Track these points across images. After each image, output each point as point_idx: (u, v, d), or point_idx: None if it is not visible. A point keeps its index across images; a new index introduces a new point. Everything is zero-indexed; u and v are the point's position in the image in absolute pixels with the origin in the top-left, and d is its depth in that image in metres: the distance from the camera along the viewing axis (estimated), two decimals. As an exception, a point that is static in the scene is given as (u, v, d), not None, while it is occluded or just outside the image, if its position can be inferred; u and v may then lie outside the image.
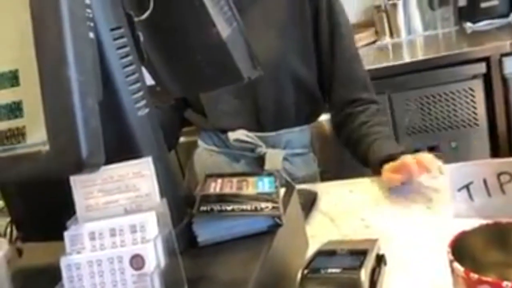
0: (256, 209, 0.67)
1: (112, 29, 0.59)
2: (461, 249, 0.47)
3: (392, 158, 0.97)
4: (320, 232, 0.86)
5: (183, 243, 0.66)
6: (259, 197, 0.70)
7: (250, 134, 1.12)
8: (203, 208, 0.67)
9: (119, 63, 0.59)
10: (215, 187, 0.74)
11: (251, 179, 0.77)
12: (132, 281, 0.52)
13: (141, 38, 0.66)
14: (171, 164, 0.67)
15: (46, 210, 0.65)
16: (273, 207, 0.68)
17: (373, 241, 0.70)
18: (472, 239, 0.48)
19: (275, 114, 1.13)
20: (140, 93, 0.62)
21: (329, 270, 0.61)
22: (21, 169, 0.45)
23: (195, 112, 1.22)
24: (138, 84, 0.62)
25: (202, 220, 0.67)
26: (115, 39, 0.59)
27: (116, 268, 0.52)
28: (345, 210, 0.93)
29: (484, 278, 0.41)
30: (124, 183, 0.56)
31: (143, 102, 0.62)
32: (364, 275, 0.59)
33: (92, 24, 0.51)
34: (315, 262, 0.64)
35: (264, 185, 0.75)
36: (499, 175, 0.46)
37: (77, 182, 0.57)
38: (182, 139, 2.11)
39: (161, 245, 0.53)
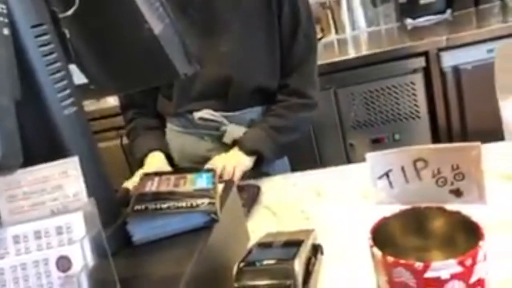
0: (191, 206, 0.67)
1: (34, 26, 0.57)
2: (383, 234, 0.49)
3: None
4: (261, 225, 0.87)
5: (118, 243, 0.65)
6: (195, 194, 0.70)
7: (216, 113, 1.15)
8: (137, 207, 0.67)
9: (42, 61, 0.58)
10: (151, 185, 0.73)
11: (189, 176, 0.77)
12: (59, 284, 0.50)
13: (68, 35, 0.65)
14: (102, 164, 0.65)
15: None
16: (209, 203, 0.68)
17: (309, 232, 0.72)
18: (392, 224, 0.50)
19: (242, 96, 1.15)
20: (67, 92, 0.60)
21: (264, 262, 0.62)
22: None
23: (163, 98, 1.23)
24: (64, 82, 0.60)
25: (136, 219, 0.66)
26: (37, 36, 0.57)
27: (42, 271, 0.51)
28: (287, 203, 0.95)
29: (399, 261, 0.42)
30: (49, 184, 0.55)
31: (69, 101, 0.60)
32: (297, 265, 0.60)
33: (7, 20, 0.50)
34: (252, 255, 0.65)
35: (202, 181, 0.75)
36: (415, 162, 0.48)
37: None
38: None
39: (88, 246, 0.52)
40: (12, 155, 0.44)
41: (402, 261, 0.42)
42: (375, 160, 0.49)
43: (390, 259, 0.43)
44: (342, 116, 1.91)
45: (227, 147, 1.14)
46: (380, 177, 0.50)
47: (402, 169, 0.49)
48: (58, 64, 0.60)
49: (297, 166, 1.24)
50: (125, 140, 2.09)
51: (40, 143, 0.58)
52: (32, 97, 0.57)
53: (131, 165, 2.03)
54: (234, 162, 1.04)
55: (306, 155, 1.91)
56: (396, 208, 0.51)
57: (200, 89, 1.15)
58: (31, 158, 0.54)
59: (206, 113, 1.15)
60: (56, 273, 0.50)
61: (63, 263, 0.50)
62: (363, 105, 1.89)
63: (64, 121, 0.59)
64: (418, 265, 0.41)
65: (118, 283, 0.56)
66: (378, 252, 0.44)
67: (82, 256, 0.51)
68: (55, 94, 0.58)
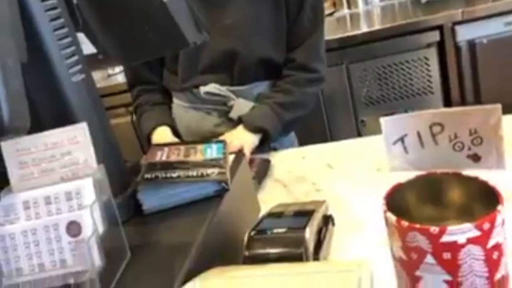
0: (202, 175, 0.67)
1: (40, -10, 0.56)
2: (397, 203, 0.48)
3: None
4: (272, 197, 0.86)
5: (128, 212, 0.65)
6: (205, 163, 0.70)
7: (222, 88, 1.13)
8: (147, 175, 0.66)
9: (49, 26, 0.57)
10: (161, 155, 0.72)
11: (199, 147, 0.76)
12: (69, 249, 0.50)
13: (75, 2, 0.64)
14: (111, 132, 0.65)
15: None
16: (220, 173, 0.68)
17: (321, 202, 0.71)
18: (407, 191, 0.48)
19: (248, 69, 1.13)
20: (74, 58, 0.59)
21: (275, 231, 0.61)
22: None
23: (169, 73, 1.21)
24: (72, 48, 0.59)
25: (146, 188, 0.66)
26: (44, 0, 0.56)
27: (52, 237, 0.51)
28: (298, 175, 0.94)
29: (414, 225, 0.41)
30: (59, 151, 0.54)
31: (77, 68, 0.59)
32: (309, 233, 0.60)
33: (11, -18, 0.48)
34: (262, 224, 0.64)
35: (212, 151, 0.74)
36: (431, 126, 0.46)
37: (9, 151, 0.55)
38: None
39: (98, 212, 0.52)
40: (19, 116, 0.43)
41: (417, 226, 0.41)
42: (390, 125, 0.47)
43: (405, 223, 0.42)
44: (354, 92, 1.88)
45: (234, 123, 1.13)
46: (395, 143, 0.48)
47: (418, 134, 0.47)
48: (65, 30, 0.59)
49: (307, 143, 1.22)
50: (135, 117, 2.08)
51: (48, 110, 0.58)
52: (39, 63, 0.56)
53: (142, 142, 2.03)
54: (241, 141, 1.03)
55: (316, 132, 1.89)
56: (411, 175, 0.50)
57: (206, 63, 1.13)
58: (40, 125, 0.54)
59: (212, 88, 1.13)
60: (66, 238, 0.50)
61: (73, 229, 0.50)
62: (376, 80, 1.86)
63: (72, 88, 0.58)
64: (434, 229, 0.40)
65: (129, 250, 0.56)
66: (392, 217, 0.43)
67: (92, 222, 0.51)
68: (63, 60, 0.58)
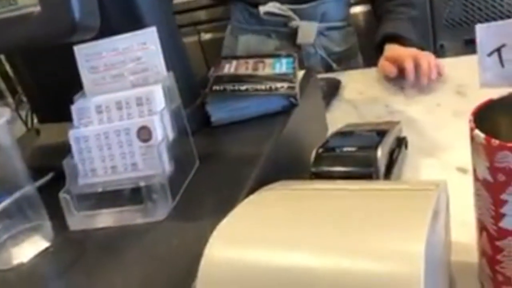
0: (270, 89, 0.65)
1: None
2: (486, 122, 0.43)
3: (397, 40, 0.94)
4: (341, 118, 0.82)
5: (197, 123, 0.64)
6: (274, 77, 0.67)
7: (283, 6, 1.05)
8: (216, 87, 0.65)
9: None
10: (229, 68, 0.70)
11: (268, 60, 0.73)
12: (140, 153, 0.51)
13: None
14: (181, 40, 0.63)
15: (59, 90, 0.64)
16: (289, 87, 0.65)
17: (394, 123, 0.67)
18: (498, 110, 0.44)
19: None
20: (143, -40, 0.57)
21: (345, 149, 0.59)
22: (14, 33, 0.43)
23: None
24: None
25: (215, 99, 0.65)
26: None
27: (124, 141, 0.51)
28: (369, 97, 0.89)
29: (506, 144, 0.37)
30: (129, 56, 0.54)
31: (147, -30, 0.57)
32: (380, 153, 0.57)
33: None
34: (331, 142, 0.62)
35: (281, 66, 0.71)
36: (536, 35, 0.40)
37: (82, 56, 0.55)
38: (208, 36, 2.05)
39: (168, 119, 0.52)
40: (90, 15, 0.43)
41: (509, 144, 0.37)
42: (486, 33, 0.42)
43: (495, 141, 0.38)
44: (435, 13, 1.73)
45: (295, 45, 1.06)
46: (490, 54, 0.43)
47: (519, 45, 0.41)
48: None
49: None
50: (203, 36, 2.07)
51: (117, 15, 0.56)
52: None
53: (208, 62, 2.03)
54: (420, 55, 0.87)
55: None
56: (505, 92, 0.45)
57: None
58: (108, 30, 0.53)
59: (272, 7, 1.05)
60: (137, 143, 0.51)
61: (144, 133, 0.51)
62: (460, 0, 1.69)
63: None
64: (529, 149, 0.36)
65: (198, 158, 0.56)
66: (480, 135, 0.39)
67: (162, 128, 0.51)
68: (132, -39, 0.55)
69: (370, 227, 0.35)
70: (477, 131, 0.40)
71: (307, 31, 1.06)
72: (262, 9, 1.05)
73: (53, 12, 0.42)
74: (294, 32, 1.08)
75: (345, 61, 1.17)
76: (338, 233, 0.36)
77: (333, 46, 1.15)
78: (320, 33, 1.11)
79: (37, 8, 0.42)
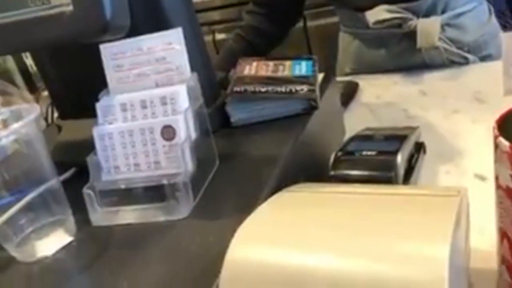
0: (291, 92, 0.65)
1: None
2: (509, 129, 0.43)
3: None
4: (358, 122, 0.83)
5: (217, 123, 0.65)
6: (294, 80, 0.68)
7: (393, 7, 0.88)
8: (236, 88, 0.66)
9: None
10: (250, 69, 0.71)
11: (288, 63, 0.73)
12: (163, 152, 0.52)
13: None
14: (203, 40, 0.64)
15: (82, 87, 0.65)
16: (309, 90, 0.65)
17: (413, 128, 0.67)
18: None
19: None
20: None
21: (364, 153, 0.59)
22: (46, 32, 0.44)
23: None
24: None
25: (235, 100, 0.65)
26: None
27: (148, 139, 0.52)
28: (387, 101, 0.89)
29: (532, 153, 0.37)
30: (153, 56, 0.55)
31: (172, -29, 0.58)
32: (400, 158, 0.57)
33: None
34: (350, 146, 0.62)
35: (301, 68, 0.72)
36: None
37: (107, 54, 0.56)
38: (222, 36, 2.06)
39: (192, 118, 0.53)
40: (121, 15, 0.43)
41: (535, 154, 0.37)
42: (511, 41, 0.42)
43: (521, 150, 0.38)
44: None
45: (418, 52, 0.92)
46: (516, 63, 0.43)
47: (545, 54, 0.42)
48: None
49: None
50: (218, 36, 2.08)
51: (142, 15, 0.57)
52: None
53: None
54: None
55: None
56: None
57: None
58: (133, 29, 0.54)
59: (381, 12, 0.86)
60: (161, 142, 0.52)
61: (168, 132, 0.51)
62: None
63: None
64: (556, 159, 0.36)
65: (218, 158, 0.57)
66: (504, 142, 0.39)
67: (185, 128, 0.51)
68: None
69: (394, 231, 0.36)
70: (501, 139, 0.40)
71: (429, 30, 0.88)
72: (370, 17, 0.90)
73: (86, 11, 0.43)
74: (412, 32, 0.90)
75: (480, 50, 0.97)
76: (361, 237, 0.36)
77: (462, 36, 0.94)
78: (446, 24, 0.92)
79: (70, 8, 0.43)
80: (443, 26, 0.92)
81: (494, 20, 1.01)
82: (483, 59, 0.97)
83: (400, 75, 0.98)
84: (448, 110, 0.81)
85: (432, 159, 0.68)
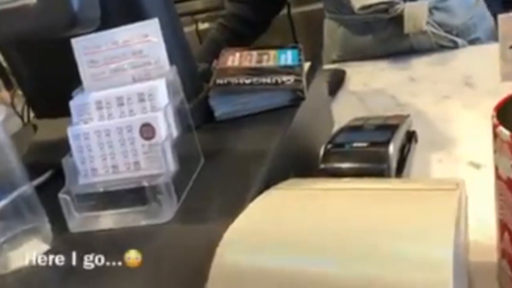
0: (276, 83, 0.62)
1: None
2: (508, 117, 0.41)
3: None
4: (347, 111, 0.80)
5: (200, 118, 0.62)
6: (280, 70, 0.65)
7: None
8: (219, 81, 0.62)
9: None
10: (233, 60, 0.68)
11: (272, 52, 0.70)
12: (143, 152, 0.49)
13: None
14: (182, 31, 0.61)
15: (57, 85, 0.62)
16: (295, 80, 0.63)
17: (404, 117, 0.65)
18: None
19: None
20: None
21: (355, 144, 0.57)
22: (9, 26, 0.41)
23: None
24: None
25: (218, 93, 0.62)
26: None
27: (126, 138, 0.49)
28: (375, 88, 0.87)
29: (534, 142, 0.35)
30: (130, 49, 0.51)
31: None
32: (392, 149, 0.55)
33: None
34: (340, 137, 0.60)
35: (286, 58, 0.69)
36: None
37: (80, 49, 0.52)
38: (205, 26, 2.02)
39: (172, 115, 0.49)
40: (89, 6, 0.40)
41: (537, 143, 0.35)
42: (509, 23, 0.40)
43: (522, 140, 0.36)
44: None
45: (407, 39, 0.91)
46: (513, 46, 0.41)
47: (544, 36, 0.39)
48: None
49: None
50: (201, 26, 2.03)
51: (116, 4, 0.54)
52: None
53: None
54: None
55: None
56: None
57: None
58: (108, 22, 0.51)
59: None
60: (140, 141, 0.49)
61: (147, 131, 0.48)
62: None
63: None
64: (560, 148, 0.34)
65: (202, 155, 0.54)
66: (505, 132, 0.37)
67: (166, 125, 0.48)
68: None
69: (393, 231, 0.33)
70: (501, 128, 0.38)
71: (416, 14, 0.86)
72: (355, 3, 0.88)
73: (50, 3, 0.39)
74: (399, 16, 0.89)
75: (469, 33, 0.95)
76: (357, 240, 0.34)
77: (450, 19, 0.94)
78: (434, 7, 0.92)
79: (33, 0, 0.39)
80: (430, 10, 0.91)
81: (482, 2, 1.00)
82: (472, 42, 0.96)
83: (387, 61, 0.96)
84: (438, 96, 0.79)
85: (424, 147, 0.66)
